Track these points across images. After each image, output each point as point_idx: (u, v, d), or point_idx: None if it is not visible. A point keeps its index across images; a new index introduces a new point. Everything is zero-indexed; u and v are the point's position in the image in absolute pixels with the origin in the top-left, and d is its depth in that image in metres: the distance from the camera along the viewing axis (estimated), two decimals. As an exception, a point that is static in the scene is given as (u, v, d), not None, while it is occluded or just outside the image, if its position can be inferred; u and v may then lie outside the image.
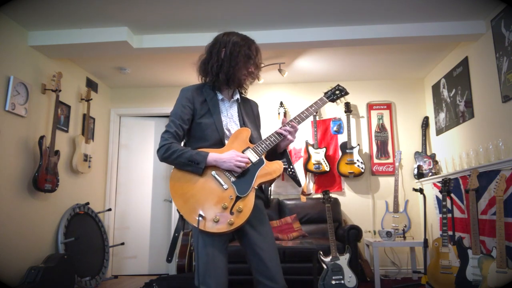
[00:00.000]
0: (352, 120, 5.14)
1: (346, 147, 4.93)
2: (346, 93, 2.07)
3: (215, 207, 1.67)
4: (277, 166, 1.80)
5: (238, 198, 1.69)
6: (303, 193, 4.91)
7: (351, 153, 4.89)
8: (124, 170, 5.36)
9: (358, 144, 5.00)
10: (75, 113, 4.53)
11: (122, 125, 5.47)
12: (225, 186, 1.71)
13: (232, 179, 1.73)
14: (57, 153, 3.92)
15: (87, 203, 4.54)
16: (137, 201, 5.33)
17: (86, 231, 4.40)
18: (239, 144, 1.81)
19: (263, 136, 1.95)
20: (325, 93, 2.06)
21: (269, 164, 1.79)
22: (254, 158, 1.78)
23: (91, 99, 4.66)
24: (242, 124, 1.91)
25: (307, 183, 5.04)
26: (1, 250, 3.36)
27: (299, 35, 3.80)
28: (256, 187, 1.74)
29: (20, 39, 3.69)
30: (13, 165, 3.54)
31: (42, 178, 3.71)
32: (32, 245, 3.73)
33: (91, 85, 4.88)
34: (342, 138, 5.09)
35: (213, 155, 1.74)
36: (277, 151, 1.93)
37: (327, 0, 3.32)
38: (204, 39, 3.78)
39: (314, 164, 4.94)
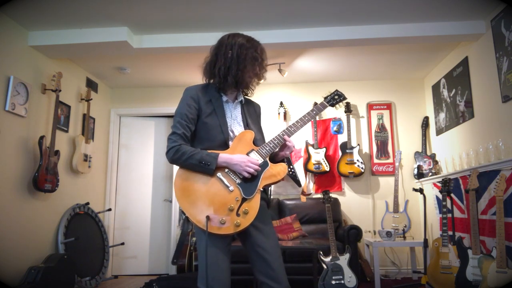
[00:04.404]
0: (352, 120, 5.14)
1: (346, 147, 4.93)
2: (344, 98, 2.12)
3: (221, 208, 1.68)
4: (281, 168, 1.81)
5: (244, 200, 1.70)
6: (303, 193, 4.91)
7: (351, 153, 4.89)
8: (124, 170, 5.36)
9: (358, 144, 5.00)
10: (75, 113, 4.53)
11: (122, 125, 5.47)
12: (231, 188, 1.72)
13: (238, 181, 1.74)
14: (57, 153, 3.93)
15: (87, 203, 4.54)
16: (137, 201, 5.33)
17: (86, 231, 4.40)
18: (244, 147, 1.81)
19: (266, 138, 1.96)
20: (325, 98, 2.09)
21: (273, 166, 1.80)
22: (259, 160, 1.79)
23: (91, 99, 4.66)
24: (246, 125, 1.92)
25: (307, 183, 5.04)
26: (1, 250, 3.36)
27: (299, 35, 3.80)
28: (261, 189, 1.75)
29: (20, 39, 3.69)
30: (13, 165, 3.54)
31: (42, 178, 3.71)
32: (32, 245, 3.73)
33: (91, 85, 4.88)
34: (342, 138, 5.08)
35: (223, 156, 1.74)
36: (276, 159, 1.91)
37: (327, 0, 3.32)
38: (204, 39, 3.85)
39: (314, 164, 4.94)
